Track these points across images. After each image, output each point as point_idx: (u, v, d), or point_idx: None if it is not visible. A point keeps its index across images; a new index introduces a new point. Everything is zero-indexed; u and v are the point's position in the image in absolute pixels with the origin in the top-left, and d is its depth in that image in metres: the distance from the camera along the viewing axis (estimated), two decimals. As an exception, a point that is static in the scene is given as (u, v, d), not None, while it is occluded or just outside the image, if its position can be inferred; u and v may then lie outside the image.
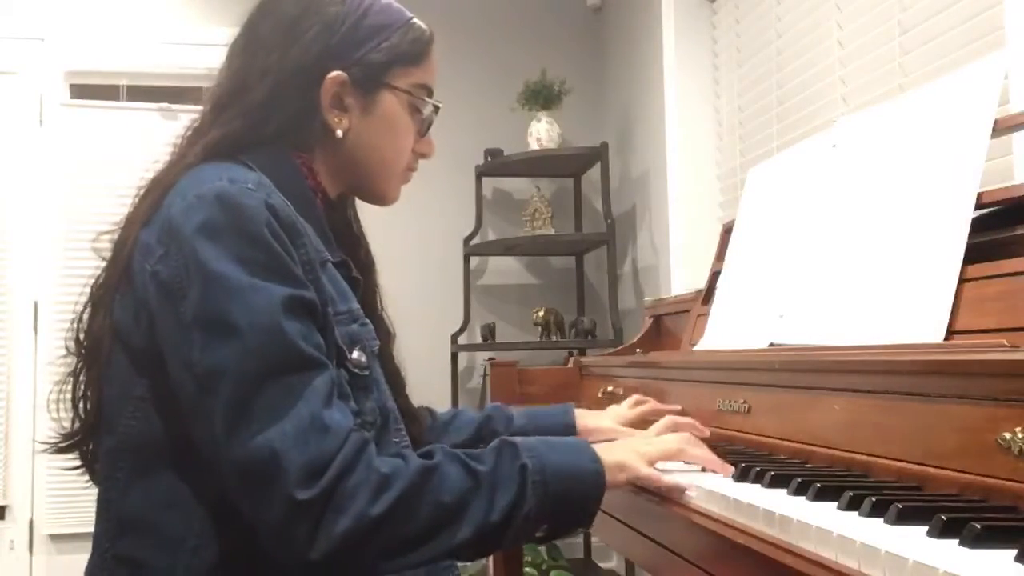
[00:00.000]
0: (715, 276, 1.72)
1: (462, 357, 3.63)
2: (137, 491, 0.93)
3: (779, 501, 0.84)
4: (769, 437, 1.14)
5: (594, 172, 3.55)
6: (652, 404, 1.37)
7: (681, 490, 0.98)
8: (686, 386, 1.44)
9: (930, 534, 0.67)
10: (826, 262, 1.30)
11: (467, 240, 3.58)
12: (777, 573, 0.75)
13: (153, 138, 3.35)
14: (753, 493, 0.88)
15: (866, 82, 2.10)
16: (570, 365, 2.05)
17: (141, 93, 3.54)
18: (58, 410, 1.01)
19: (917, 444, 0.87)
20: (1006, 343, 0.86)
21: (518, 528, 0.89)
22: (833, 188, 1.35)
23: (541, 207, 3.55)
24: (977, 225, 1.04)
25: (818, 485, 0.84)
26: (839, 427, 1.00)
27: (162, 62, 3.51)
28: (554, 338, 3.42)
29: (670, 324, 2.06)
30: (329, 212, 1.07)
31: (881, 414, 0.93)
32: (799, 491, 0.86)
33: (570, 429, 1.32)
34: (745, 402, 1.21)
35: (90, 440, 1.02)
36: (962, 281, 1.01)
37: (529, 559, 3.03)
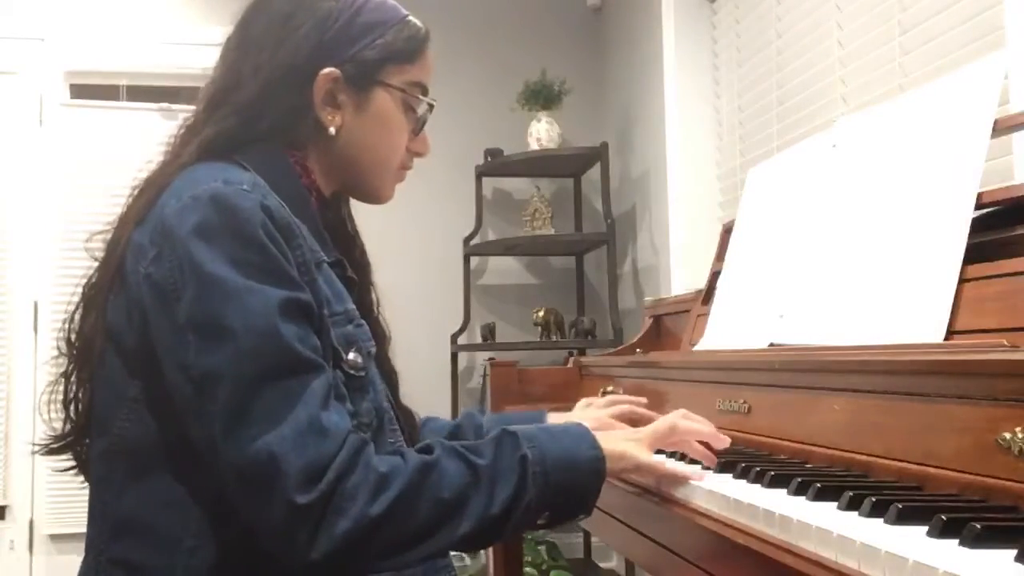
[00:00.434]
0: (715, 276, 1.72)
1: (462, 357, 3.63)
2: (133, 493, 0.92)
3: (779, 501, 0.84)
4: (769, 437, 1.14)
5: (594, 172, 3.55)
6: (628, 406, 1.34)
7: (684, 478, 0.98)
8: (686, 386, 1.44)
9: (930, 534, 0.67)
10: (826, 262, 1.30)
11: (467, 240, 3.58)
12: (777, 573, 0.75)
13: (153, 138, 3.33)
14: (753, 493, 0.88)
15: (866, 82, 2.10)
16: (570, 365, 2.05)
17: (141, 93, 3.54)
18: (50, 411, 1.01)
19: (917, 444, 0.87)
20: (1006, 343, 0.86)
21: (519, 519, 0.90)
22: (833, 188, 1.35)
23: (541, 207, 3.55)
24: (977, 225, 1.04)
25: (818, 485, 0.84)
26: (839, 427, 1.00)
27: (162, 62, 3.51)
28: (554, 338, 3.42)
29: (670, 324, 2.06)
30: (323, 211, 1.07)
31: (881, 414, 0.93)
32: (799, 491, 0.86)
33: None
34: (745, 402, 1.21)
35: (82, 441, 1.02)
36: (962, 281, 1.01)
37: (529, 559, 3.03)
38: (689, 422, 1.05)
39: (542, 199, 3.58)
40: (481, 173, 3.61)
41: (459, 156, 3.60)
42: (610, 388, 1.76)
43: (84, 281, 1.01)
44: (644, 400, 1.34)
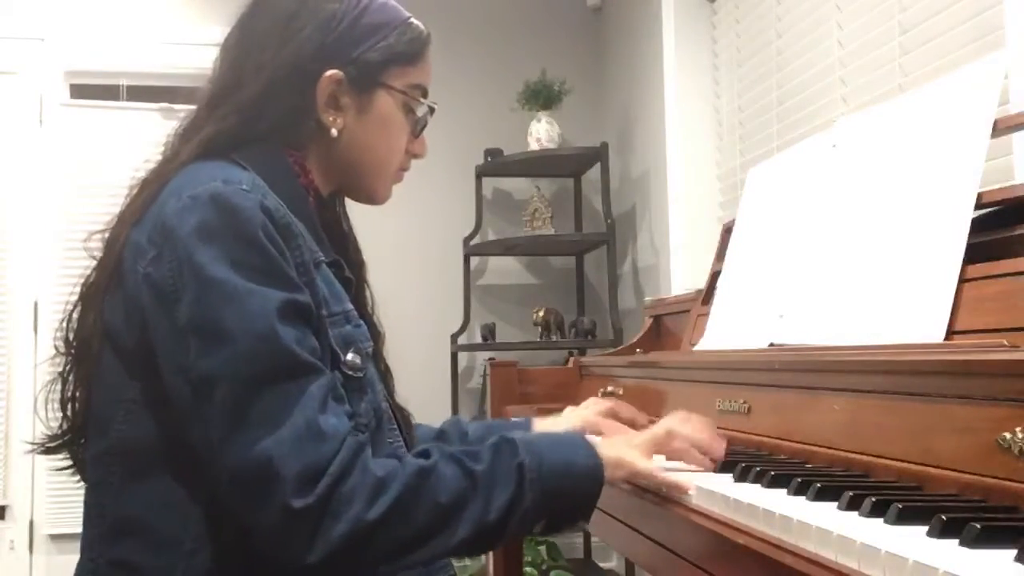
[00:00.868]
0: (715, 276, 1.71)
1: (462, 357, 3.63)
2: (131, 494, 0.92)
3: (779, 501, 0.84)
4: (769, 437, 1.14)
5: (594, 172, 3.55)
6: (612, 402, 1.34)
7: (682, 488, 0.98)
8: (686, 386, 1.44)
9: (930, 534, 0.67)
10: (826, 262, 1.30)
11: (467, 240, 3.58)
12: (777, 573, 0.75)
13: (153, 138, 3.34)
14: (753, 493, 0.88)
15: (866, 82, 2.10)
16: (570, 365, 2.05)
17: (141, 93, 3.54)
18: (46, 411, 1.01)
19: (917, 444, 0.87)
20: (1006, 343, 0.86)
21: (516, 525, 0.90)
22: (833, 188, 1.35)
23: (541, 207, 3.55)
24: (977, 225, 1.04)
25: (818, 485, 0.84)
26: (839, 427, 1.00)
27: (162, 62, 3.51)
28: (554, 338, 3.42)
29: (670, 324, 2.06)
30: (321, 211, 1.07)
31: (881, 414, 0.93)
32: (799, 491, 0.86)
33: None
34: (745, 402, 1.21)
35: (78, 441, 1.01)
36: (962, 281, 1.01)
37: (529, 559, 3.03)
38: (687, 427, 1.04)
39: (542, 199, 3.58)
40: (481, 173, 3.61)
41: (459, 156, 3.60)
42: (610, 388, 1.76)
43: (82, 280, 1.00)
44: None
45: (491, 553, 2.06)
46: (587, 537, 3.54)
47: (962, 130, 1.11)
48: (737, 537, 0.82)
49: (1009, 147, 1.54)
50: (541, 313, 3.42)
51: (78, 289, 1.00)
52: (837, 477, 0.93)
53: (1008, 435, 0.74)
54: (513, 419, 1.39)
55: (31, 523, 3.36)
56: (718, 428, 1.22)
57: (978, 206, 1.05)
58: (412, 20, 1.07)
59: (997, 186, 1.09)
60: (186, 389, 0.86)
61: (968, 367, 0.81)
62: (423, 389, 3.50)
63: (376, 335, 1.08)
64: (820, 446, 1.02)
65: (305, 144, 1.04)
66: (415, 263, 3.64)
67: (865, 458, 0.94)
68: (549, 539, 3.22)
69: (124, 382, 0.93)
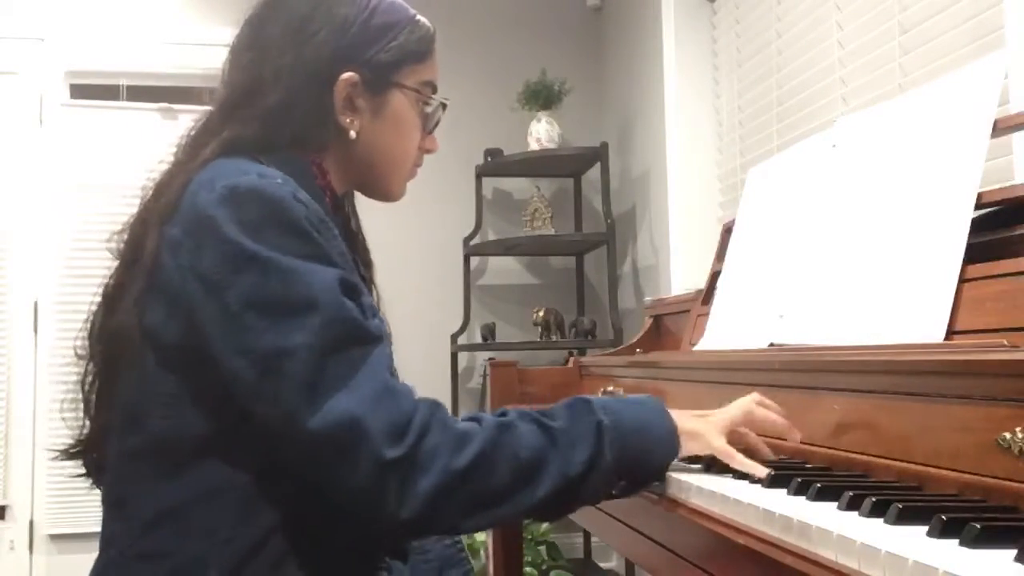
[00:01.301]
0: (715, 276, 1.72)
1: (462, 357, 3.63)
2: (168, 487, 0.93)
3: (779, 501, 0.84)
4: (769, 437, 1.14)
5: (594, 172, 3.55)
6: None
7: (759, 472, 0.94)
8: (686, 386, 1.44)
9: (930, 534, 0.67)
10: (826, 262, 1.30)
11: (467, 240, 3.58)
12: (777, 573, 0.75)
13: (153, 138, 3.35)
14: (753, 493, 0.88)
15: (866, 82, 2.10)
16: (570, 365, 2.04)
17: (141, 93, 3.54)
18: (63, 415, 1.01)
19: (917, 444, 0.87)
20: (1006, 343, 0.86)
21: (596, 483, 0.91)
22: (833, 188, 1.35)
23: (541, 207, 3.55)
24: (977, 225, 1.04)
25: (818, 485, 0.84)
26: (839, 427, 1.00)
27: (162, 62, 3.51)
28: (554, 338, 3.42)
29: (670, 324, 2.06)
30: (336, 211, 1.08)
31: (881, 414, 0.93)
32: (799, 491, 0.86)
33: None
34: (745, 402, 1.21)
35: (101, 444, 1.01)
36: (962, 281, 1.01)
37: (529, 559, 3.03)
38: (764, 410, 1.03)
39: (542, 199, 3.58)
40: (481, 173, 3.61)
41: (459, 156, 3.59)
42: (610, 388, 1.76)
43: (100, 282, 1.00)
44: None
45: (491, 553, 2.06)
46: (587, 537, 3.54)
47: (962, 130, 1.11)
48: (737, 537, 0.82)
49: (1009, 147, 1.54)
50: (541, 313, 3.42)
51: (100, 291, 1.00)
52: (837, 477, 0.93)
53: (1008, 435, 0.74)
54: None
55: (31, 523, 3.36)
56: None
57: (978, 206, 1.05)
58: (419, 18, 1.08)
59: (997, 186, 1.09)
60: (251, 370, 0.86)
61: (968, 367, 0.82)
62: (423, 389, 3.47)
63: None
64: (820, 446, 1.02)
65: (323, 147, 1.05)
66: (415, 263, 3.64)
67: (865, 458, 0.94)
68: (549, 539, 3.22)
69: (161, 378, 0.93)
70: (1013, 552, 0.60)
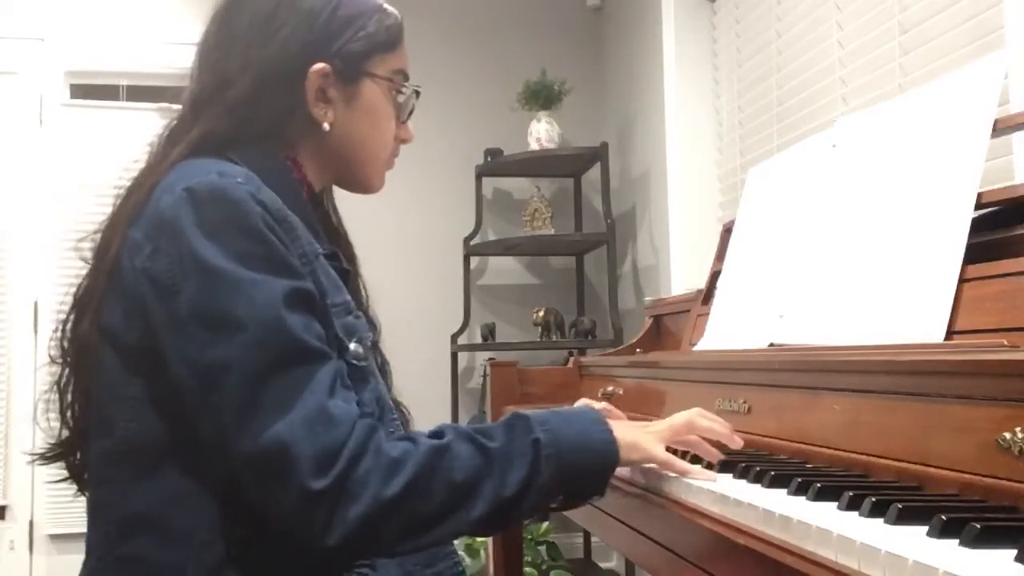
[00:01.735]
0: (715, 276, 1.71)
1: (462, 357, 3.63)
2: (140, 491, 0.92)
3: (779, 501, 0.84)
4: (769, 437, 1.14)
5: (594, 172, 3.55)
6: (603, 405, 1.34)
7: (697, 474, 0.97)
8: (686, 386, 1.44)
9: (930, 534, 0.67)
10: (826, 262, 1.30)
11: (467, 240, 3.58)
12: (777, 573, 0.75)
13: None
14: (753, 493, 0.88)
15: (866, 82, 2.10)
16: (570, 365, 2.04)
17: (141, 93, 3.54)
18: (48, 419, 1.01)
19: (917, 444, 0.87)
20: (1006, 343, 0.86)
21: (532, 501, 0.90)
22: (833, 188, 1.35)
23: (541, 207, 3.55)
24: (977, 225, 1.04)
25: (818, 485, 0.84)
26: (839, 427, 1.00)
27: (162, 62, 3.51)
28: (554, 338, 3.42)
29: (670, 324, 2.06)
30: (314, 205, 1.07)
31: (881, 414, 0.93)
32: (799, 491, 0.86)
33: None
34: (745, 402, 1.21)
35: (79, 448, 1.01)
36: (962, 281, 1.01)
37: (529, 559, 3.03)
38: (706, 420, 1.04)
39: (542, 199, 3.58)
40: (481, 173, 3.61)
41: (459, 156, 3.60)
42: (610, 388, 1.76)
43: (74, 287, 1.00)
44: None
45: (491, 553, 2.06)
46: (587, 537, 3.54)
47: (962, 130, 1.11)
48: (737, 537, 0.82)
49: (1009, 147, 1.54)
50: (541, 313, 3.42)
51: (71, 295, 1.00)
52: (837, 477, 0.93)
53: (1008, 435, 0.74)
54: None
55: (31, 523, 3.36)
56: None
57: (978, 206, 1.05)
58: (386, 6, 1.07)
59: (997, 186, 1.09)
60: (193, 380, 0.86)
61: (968, 367, 0.81)
62: (423, 389, 3.49)
63: (372, 328, 1.09)
64: (820, 446, 1.02)
65: (296, 140, 1.04)
66: (415, 263, 3.64)
67: (865, 458, 0.94)
68: (549, 539, 3.23)
69: (126, 380, 0.93)
70: (1013, 552, 0.60)
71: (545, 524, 3.17)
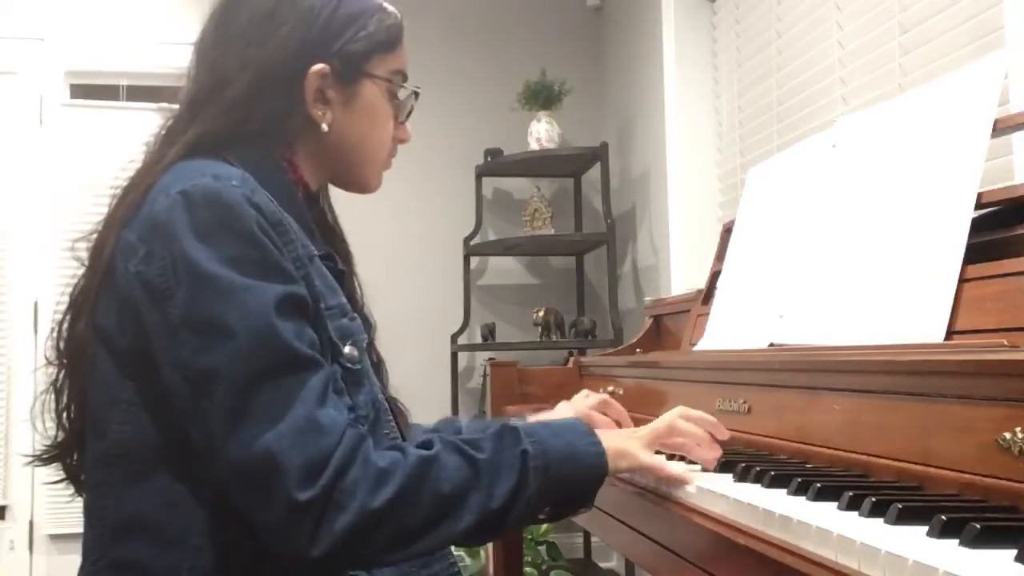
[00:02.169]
0: (715, 276, 1.72)
1: (462, 357, 3.63)
2: (134, 494, 0.92)
3: (779, 501, 0.84)
4: (769, 437, 1.14)
5: (594, 172, 3.55)
6: (604, 396, 1.33)
7: (685, 480, 0.98)
8: (686, 386, 1.44)
9: (930, 534, 0.67)
10: (826, 262, 1.30)
11: (467, 240, 3.58)
12: (777, 573, 0.75)
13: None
14: (753, 493, 0.88)
15: (866, 82, 2.10)
16: (570, 365, 2.04)
17: (141, 93, 3.54)
18: (44, 421, 1.00)
19: (917, 444, 0.87)
20: (1006, 343, 0.86)
21: (520, 513, 0.90)
22: (833, 188, 1.35)
23: (541, 207, 3.55)
24: (977, 225, 1.04)
25: (818, 485, 0.84)
26: (839, 427, 1.00)
27: (162, 62, 3.50)
28: (554, 338, 3.42)
29: (670, 324, 2.06)
30: (310, 205, 1.06)
31: (881, 414, 0.93)
32: (799, 491, 0.86)
33: None
34: (745, 402, 1.21)
35: (75, 450, 1.01)
36: (962, 281, 1.01)
37: (529, 559, 3.03)
38: (688, 423, 1.04)
39: (542, 199, 3.58)
40: (481, 173, 3.61)
41: (459, 156, 3.59)
42: (610, 388, 1.76)
43: (70, 289, 1.00)
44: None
45: (491, 553, 2.06)
46: (587, 537, 3.54)
47: (962, 130, 1.11)
48: (737, 537, 0.82)
49: (1009, 147, 1.54)
50: (541, 313, 3.42)
51: (66, 298, 0.99)
52: (837, 477, 0.93)
53: (1008, 435, 0.74)
54: (511, 420, 1.39)
55: (31, 523, 3.36)
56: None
57: (978, 206, 1.05)
58: (386, 5, 1.06)
59: (997, 186, 1.09)
60: (184, 386, 0.86)
61: (968, 367, 0.81)
62: (423, 389, 3.49)
63: (368, 326, 1.08)
64: (820, 446, 1.02)
65: (294, 140, 1.03)
66: (415, 263, 3.64)
67: (865, 458, 0.94)
68: (549, 539, 3.23)
69: (119, 383, 0.92)
70: (1013, 552, 0.60)
71: (545, 524, 3.17)
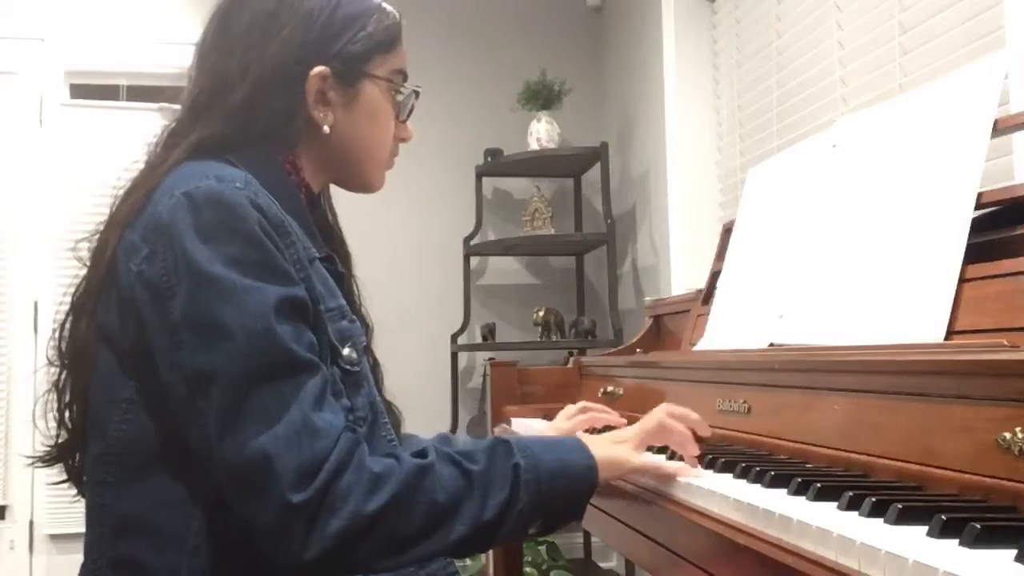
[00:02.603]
0: (715, 276, 1.72)
1: (462, 357, 3.63)
2: (132, 493, 0.92)
3: (779, 501, 0.84)
4: (769, 437, 1.14)
5: (594, 172, 3.55)
6: (592, 414, 1.33)
7: (685, 471, 0.98)
8: (686, 386, 1.44)
9: (930, 534, 0.67)
10: (826, 262, 1.30)
11: (467, 240, 3.58)
12: (777, 573, 0.75)
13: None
14: (753, 493, 0.88)
15: (866, 82, 2.10)
16: (570, 365, 2.05)
17: (141, 93, 3.54)
18: (45, 421, 1.00)
19: (917, 444, 0.87)
20: (1006, 343, 0.86)
21: (511, 526, 0.90)
22: (833, 188, 1.35)
23: (541, 207, 3.55)
24: (977, 225, 1.04)
25: (818, 485, 0.84)
26: (839, 427, 1.00)
27: (162, 62, 3.50)
28: (554, 338, 3.42)
29: (670, 324, 2.06)
30: (312, 207, 1.07)
31: (881, 414, 0.93)
32: (799, 491, 0.86)
33: None
34: (745, 402, 1.21)
35: (77, 451, 1.01)
36: (962, 281, 1.01)
37: (529, 559, 3.03)
38: (674, 421, 1.05)
39: (542, 199, 3.58)
40: (481, 173, 3.61)
41: (459, 156, 3.59)
42: (610, 388, 1.76)
43: (72, 289, 1.00)
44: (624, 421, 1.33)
45: (491, 553, 2.06)
46: (587, 537, 3.54)
47: (962, 130, 1.11)
48: (737, 537, 0.82)
49: (1009, 147, 1.54)
50: (541, 313, 3.42)
51: (68, 298, 1.00)
52: (837, 477, 0.93)
53: (1008, 435, 0.74)
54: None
55: (31, 523, 3.36)
56: (718, 428, 1.23)
57: (978, 206, 1.05)
58: (385, 6, 1.07)
59: (997, 186, 1.09)
60: (182, 386, 0.86)
61: (968, 367, 0.82)
62: (423, 389, 3.50)
63: (366, 328, 1.09)
64: (820, 446, 1.02)
65: (295, 142, 1.03)
66: (415, 263, 3.64)
67: (865, 458, 0.94)
68: (549, 539, 3.22)
69: (120, 382, 0.93)
70: (1013, 552, 0.60)
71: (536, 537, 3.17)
